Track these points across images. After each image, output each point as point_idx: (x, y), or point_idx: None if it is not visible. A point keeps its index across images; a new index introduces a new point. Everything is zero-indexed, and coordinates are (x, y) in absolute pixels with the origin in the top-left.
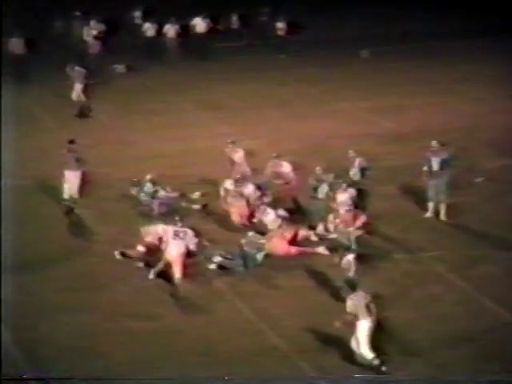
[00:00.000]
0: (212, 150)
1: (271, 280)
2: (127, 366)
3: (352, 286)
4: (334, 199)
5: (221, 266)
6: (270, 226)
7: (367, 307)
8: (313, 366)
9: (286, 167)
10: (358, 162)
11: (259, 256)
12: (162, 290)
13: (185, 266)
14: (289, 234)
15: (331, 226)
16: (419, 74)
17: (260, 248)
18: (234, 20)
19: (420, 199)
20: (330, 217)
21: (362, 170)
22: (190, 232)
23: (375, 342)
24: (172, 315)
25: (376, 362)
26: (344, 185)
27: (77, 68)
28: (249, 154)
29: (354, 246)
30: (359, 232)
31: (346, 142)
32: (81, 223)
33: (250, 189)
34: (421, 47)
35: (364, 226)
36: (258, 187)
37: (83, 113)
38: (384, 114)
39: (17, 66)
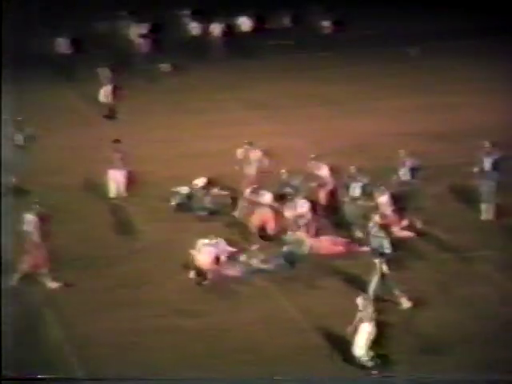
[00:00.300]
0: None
1: (315, 280)
2: (174, 363)
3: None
4: (373, 199)
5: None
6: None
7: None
8: (357, 365)
9: (323, 170)
10: (408, 162)
11: (302, 250)
12: (209, 288)
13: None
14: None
15: (374, 228)
16: (469, 72)
17: (301, 243)
18: (281, 18)
19: (469, 199)
20: (376, 217)
21: (412, 170)
22: (222, 242)
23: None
24: (218, 313)
25: (370, 363)
26: (382, 187)
27: (106, 69)
28: (271, 155)
29: (387, 250)
30: (406, 233)
31: (393, 140)
32: (128, 221)
33: (266, 198)
34: (471, 44)
35: (408, 227)
36: (280, 195)
37: (110, 114)
38: (432, 112)
39: (63, 65)
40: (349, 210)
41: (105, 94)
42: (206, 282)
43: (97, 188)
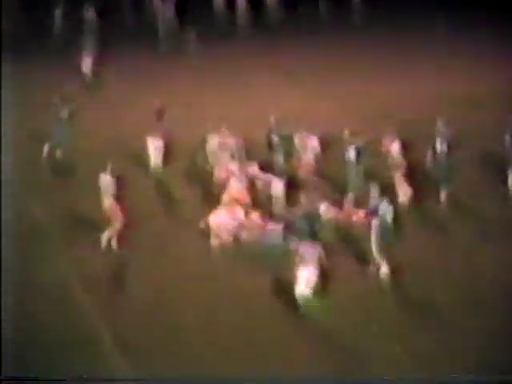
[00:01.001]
0: (285, 114)
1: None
2: (196, 325)
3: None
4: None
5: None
6: None
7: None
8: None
9: (313, 141)
10: (447, 132)
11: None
12: (227, 251)
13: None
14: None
15: (373, 189)
16: (495, 36)
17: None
18: None
19: (493, 166)
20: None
21: (449, 141)
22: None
23: None
24: (238, 276)
25: (301, 300)
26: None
27: (89, 37)
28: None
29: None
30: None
31: (418, 104)
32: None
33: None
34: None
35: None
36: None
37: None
38: (456, 76)
39: (90, 33)
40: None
41: (86, 64)
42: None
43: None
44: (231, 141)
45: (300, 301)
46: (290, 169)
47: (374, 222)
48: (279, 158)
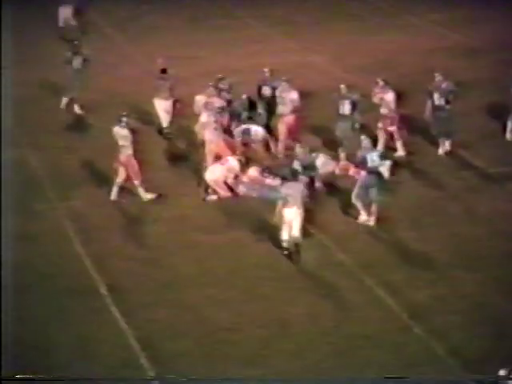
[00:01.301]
0: (279, 66)
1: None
2: (194, 278)
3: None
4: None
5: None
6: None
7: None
8: (378, 280)
9: (293, 94)
10: (444, 85)
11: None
12: (226, 204)
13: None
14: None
15: (365, 140)
16: None
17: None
18: None
19: (492, 116)
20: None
21: (448, 94)
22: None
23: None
24: (237, 230)
25: (286, 244)
26: (388, 86)
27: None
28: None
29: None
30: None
31: (416, 56)
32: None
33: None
34: None
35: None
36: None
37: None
38: (455, 26)
39: None
40: (339, 127)
41: (64, 16)
42: (209, 198)
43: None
44: (216, 100)
45: (286, 243)
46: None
47: (361, 173)
48: (260, 110)
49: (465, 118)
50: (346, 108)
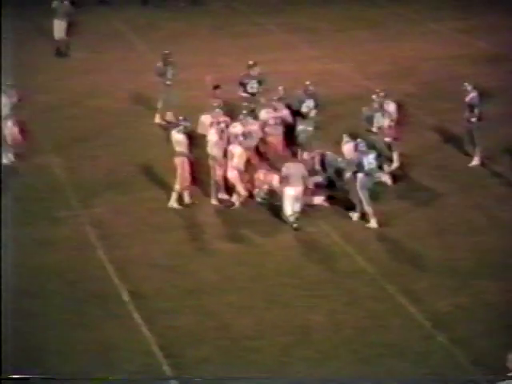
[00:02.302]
0: (301, 74)
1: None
2: (215, 284)
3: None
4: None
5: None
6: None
7: (302, 178)
8: (400, 288)
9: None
10: (469, 98)
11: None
12: (246, 211)
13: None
14: None
15: (361, 144)
16: None
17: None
18: None
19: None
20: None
21: (473, 106)
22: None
23: None
24: (258, 237)
25: (292, 218)
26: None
27: (65, 2)
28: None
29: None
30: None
31: (439, 64)
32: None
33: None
34: None
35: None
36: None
37: (62, 52)
38: (478, 34)
39: None
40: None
41: (59, 28)
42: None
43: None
44: (223, 119)
45: (292, 217)
46: None
47: (359, 175)
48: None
49: (489, 126)
50: (380, 121)
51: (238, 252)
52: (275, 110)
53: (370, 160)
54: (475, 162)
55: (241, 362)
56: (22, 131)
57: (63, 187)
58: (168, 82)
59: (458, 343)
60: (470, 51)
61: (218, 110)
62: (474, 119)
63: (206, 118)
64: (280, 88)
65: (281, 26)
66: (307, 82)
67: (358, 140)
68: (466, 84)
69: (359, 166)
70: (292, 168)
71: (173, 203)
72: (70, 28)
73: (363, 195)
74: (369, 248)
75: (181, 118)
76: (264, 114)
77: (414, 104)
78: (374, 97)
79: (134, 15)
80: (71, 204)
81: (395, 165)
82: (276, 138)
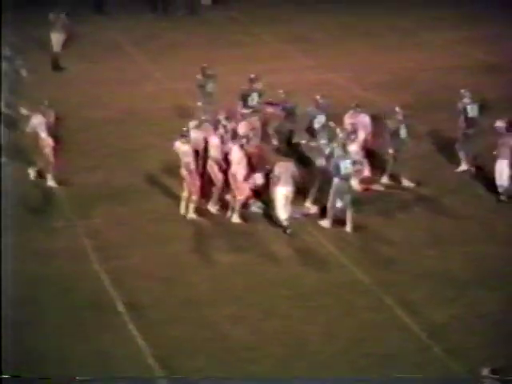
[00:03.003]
0: (297, 83)
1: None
2: (212, 295)
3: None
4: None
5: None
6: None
7: (292, 177)
8: (396, 299)
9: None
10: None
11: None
12: (245, 223)
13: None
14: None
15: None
16: None
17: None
18: None
19: None
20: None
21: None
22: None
23: None
24: (254, 249)
25: (286, 223)
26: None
27: (62, 16)
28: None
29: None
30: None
31: (436, 74)
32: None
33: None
34: None
35: None
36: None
37: (59, 65)
38: (475, 44)
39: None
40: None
41: (57, 41)
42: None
43: (141, 122)
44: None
45: (286, 221)
46: None
47: (334, 180)
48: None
49: (485, 136)
50: (403, 131)
51: (234, 263)
52: (252, 126)
53: (346, 165)
54: (462, 167)
55: (237, 372)
56: (55, 150)
57: (60, 197)
58: (208, 91)
59: (454, 354)
60: (466, 62)
61: (207, 124)
62: (470, 130)
63: (196, 133)
64: (280, 91)
65: (277, 35)
66: (317, 96)
67: (334, 145)
68: (463, 91)
69: (336, 170)
70: (283, 167)
71: (191, 214)
72: (66, 39)
73: (332, 197)
74: (365, 258)
75: (184, 128)
76: (242, 127)
77: (410, 114)
78: (397, 109)
79: (131, 25)
80: (68, 214)
81: (366, 174)
82: (253, 148)
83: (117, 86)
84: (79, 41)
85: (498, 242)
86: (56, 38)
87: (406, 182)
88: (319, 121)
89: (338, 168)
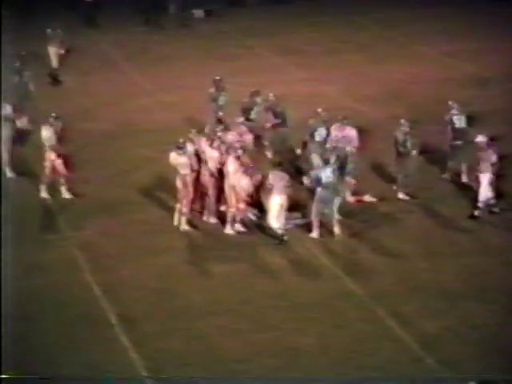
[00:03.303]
0: (290, 96)
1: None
2: (204, 307)
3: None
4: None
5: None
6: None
7: (285, 186)
8: (389, 311)
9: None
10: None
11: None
12: (237, 235)
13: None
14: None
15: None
16: (504, 17)
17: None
18: None
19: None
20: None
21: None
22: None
23: None
24: (246, 260)
25: (280, 231)
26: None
27: (58, 31)
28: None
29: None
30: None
31: (427, 86)
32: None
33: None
34: None
35: None
36: None
37: (57, 79)
38: (466, 58)
39: (91, 12)
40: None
41: (54, 56)
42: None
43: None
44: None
45: (279, 230)
46: None
47: (317, 190)
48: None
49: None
50: (409, 143)
51: (226, 274)
52: (240, 134)
53: (327, 174)
54: (446, 176)
55: None
56: (66, 163)
57: (51, 210)
58: (220, 104)
59: (447, 365)
60: (458, 74)
61: (189, 148)
62: (458, 142)
63: (173, 158)
64: (271, 95)
65: (269, 48)
66: (319, 109)
67: (312, 155)
68: (451, 103)
69: (317, 181)
70: (277, 176)
71: (184, 226)
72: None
73: (315, 207)
74: (357, 270)
75: (181, 140)
76: (230, 137)
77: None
78: (402, 121)
79: (124, 38)
80: (60, 227)
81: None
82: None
83: (109, 99)
84: (71, 55)
85: (490, 254)
86: (54, 53)
87: (401, 195)
88: (320, 133)
89: (318, 179)
